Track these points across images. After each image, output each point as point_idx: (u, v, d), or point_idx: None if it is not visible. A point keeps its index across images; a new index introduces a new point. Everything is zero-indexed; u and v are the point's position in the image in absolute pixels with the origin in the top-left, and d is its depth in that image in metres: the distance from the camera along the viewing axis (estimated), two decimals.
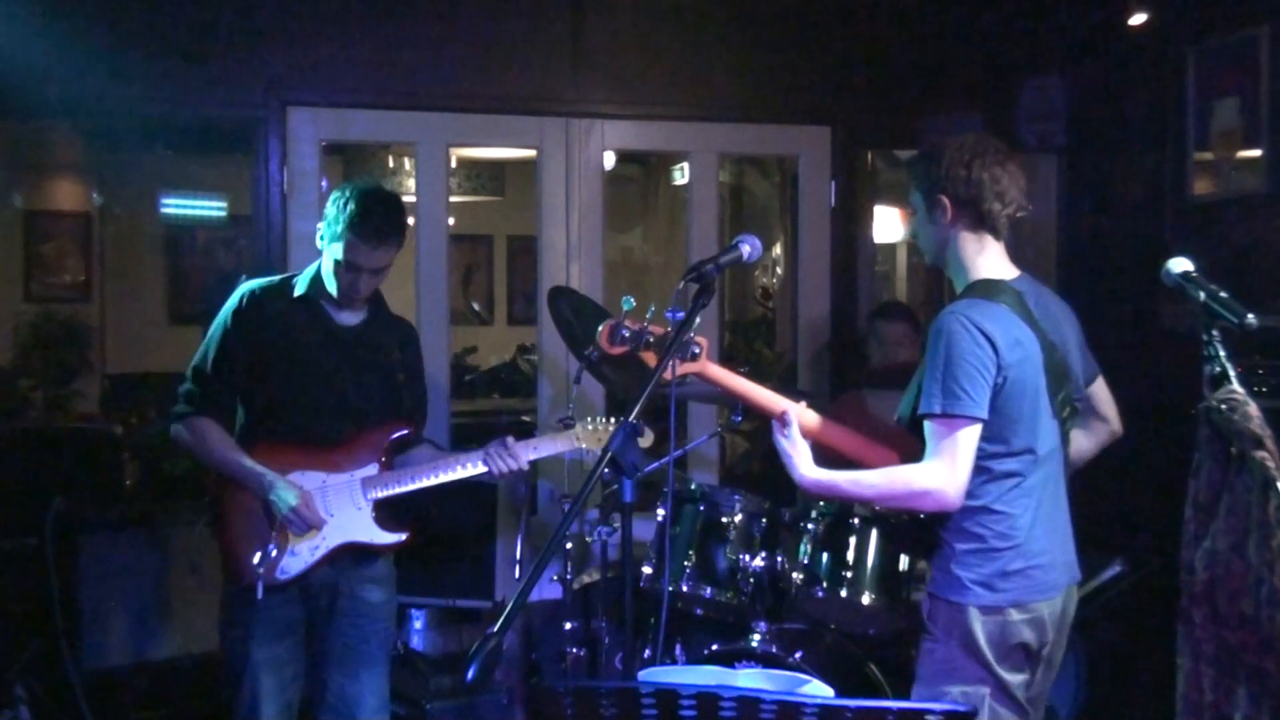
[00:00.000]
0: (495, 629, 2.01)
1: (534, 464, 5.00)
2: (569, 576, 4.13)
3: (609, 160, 5.32)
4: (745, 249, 2.68)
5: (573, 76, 5.07)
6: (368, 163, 8.42)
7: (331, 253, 3.23)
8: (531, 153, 5.27)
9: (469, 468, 3.31)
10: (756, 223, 8.26)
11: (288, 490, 3.18)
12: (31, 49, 4.44)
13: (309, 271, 3.34)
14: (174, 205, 8.57)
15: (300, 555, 3.21)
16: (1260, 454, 2.29)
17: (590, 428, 3.46)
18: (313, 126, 4.89)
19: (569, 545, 4.15)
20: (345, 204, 3.19)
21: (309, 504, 3.20)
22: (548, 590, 4.21)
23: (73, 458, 4.82)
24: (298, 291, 3.32)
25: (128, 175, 8.22)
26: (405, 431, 3.36)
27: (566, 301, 4.33)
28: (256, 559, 3.16)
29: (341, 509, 3.25)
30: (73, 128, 7.18)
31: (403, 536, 3.31)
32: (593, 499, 4.52)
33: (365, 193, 3.21)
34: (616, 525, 3.98)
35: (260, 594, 3.15)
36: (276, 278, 3.40)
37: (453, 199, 5.77)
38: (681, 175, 6.85)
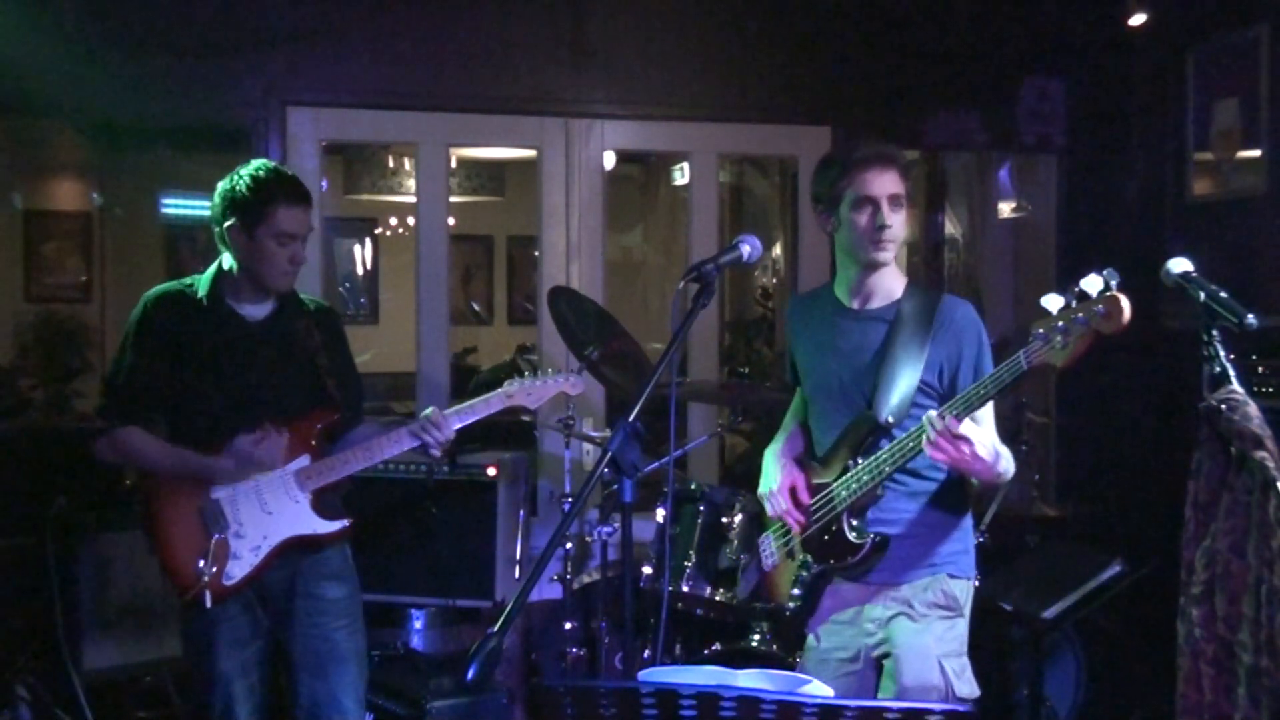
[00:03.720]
0: (495, 629, 2.01)
1: (534, 463, 5.06)
2: (569, 576, 4.13)
3: (609, 160, 5.32)
4: (745, 249, 2.68)
5: (573, 76, 5.07)
6: (368, 163, 8.43)
7: (259, 238, 3.16)
8: (531, 153, 5.27)
9: (400, 445, 3.21)
10: (756, 223, 8.26)
11: (240, 443, 3.14)
12: (31, 49, 4.44)
13: (208, 273, 3.27)
14: (174, 205, 8.56)
15: (243, 558, 3.13)
16: (1260, 454, 2.29)
17: (519, 384, 3.32)
18: (313, 126, 4.90)
19: (569, 545, 4.15)
20: (250, 182, 3.17)
21: (263, 441, 3.15)
22: (548, 590, 4.21)
23: (73, 458, 4.81)
24: (200, 293, 3.24)
25: (128, 175, 8.21)
26: (332, 419, 3.28)
27: (566, 301, 4.33)
28: (197, 567, 3.07)
29: (279, 505, 3.18)
30: (73, 128, 7.17)
31: (345, 523, 3.24)
32: (593, 499, 4.53)
33: (261, 167, 3.22)
34: (616, 525, 3.98)
35: (209, 603, 3.07)
36: (176, 283, 3.32)
37: (453, 199, 5.77)
38: (681, 175, 6.85)
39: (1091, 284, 2.35)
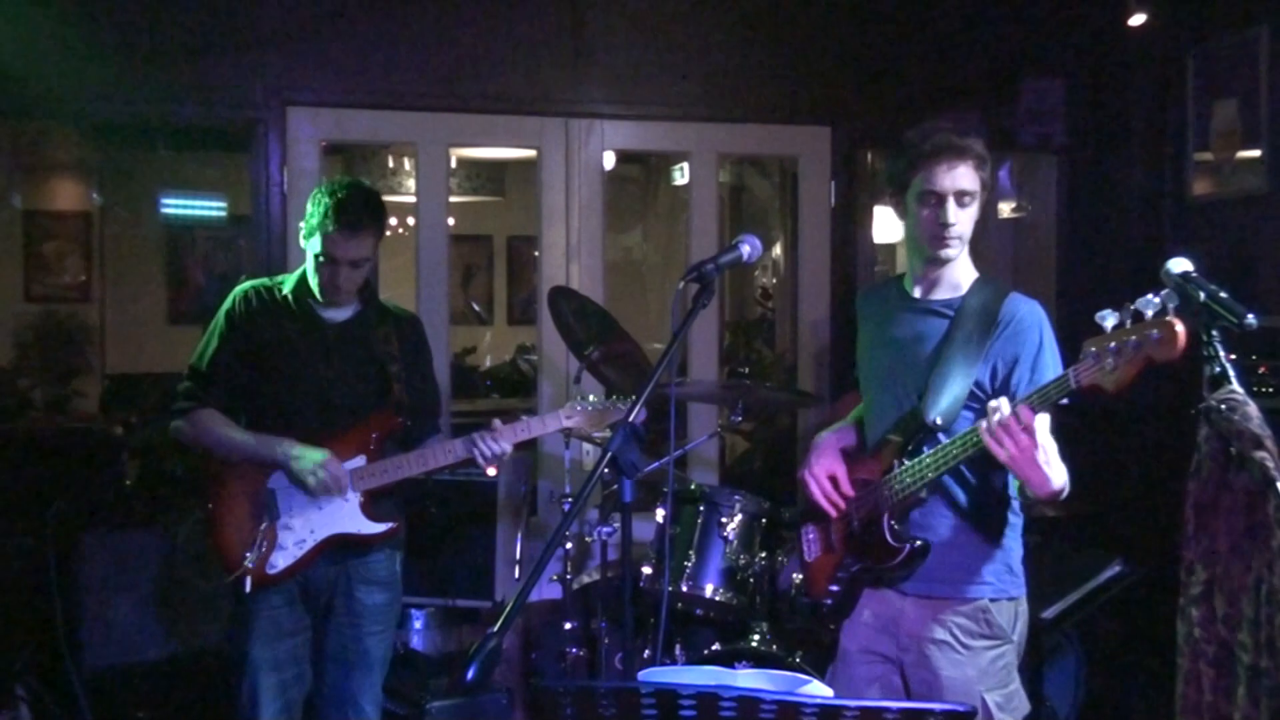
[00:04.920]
0: (495, 629, 2.01)
1: (534, 463, 5.05)
2: (569, 576, 4.13)
3: (609, 160, 5.32)
4: (745, 249, 2.64)
5: (573, 76, 5.07)
6: (368, 163, 8.42)
7: (311, 248, 3.27)
8: (531, 153, 5.27)
9: (454, 455, 3.30)
10: (756, 223, 8.25)
11: (311, 450, 3.21)
12: (31, 49, 4.44)
13: (297, 271, 3.39)
14: (174, 205, 8.57)
15: (288, 549, 3.22)
16: (1260, 454, 2.28)
17: (579, 407, 3.41)
18: (313, 126, 4.89)
19: (569, 545, 4.15)
20: (323, 198, 3.25)
21: (334, 464, 3.22)
22: (548, 590, 4.21)
23: (73, 458, 4.82)
24: (285, 290, 3.36)
25: (128, 175, 8.22)
26: (394, 424, 3.35)
27: (566, 301, 4.33)
28: (245, 552, 3.18)
29: (330, 501, 3.26)
30: (73, 128, 7.18)
31: (391, 525, 3.31)
32: (593, 499, 4.52)
33: (342, 185, 3.29)
34: (616, 525, 3.98)
35: (248, 588, 3.16)
36: (269, 279, 3.45)
37: (453, 199, 5.77)
38: (681, 175, 6.84)
39: (1147, 304, 2.25)
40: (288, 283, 3.38)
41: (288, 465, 3.21)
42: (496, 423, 3.32)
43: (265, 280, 3.44)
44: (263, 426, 3.30)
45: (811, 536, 3.01)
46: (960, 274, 2.82)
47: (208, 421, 3.30)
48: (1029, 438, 2.43)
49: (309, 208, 3.28)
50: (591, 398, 3.47)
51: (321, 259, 3.25)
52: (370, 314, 3.42)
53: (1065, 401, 2.43)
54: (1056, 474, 2.51)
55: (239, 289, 3.39)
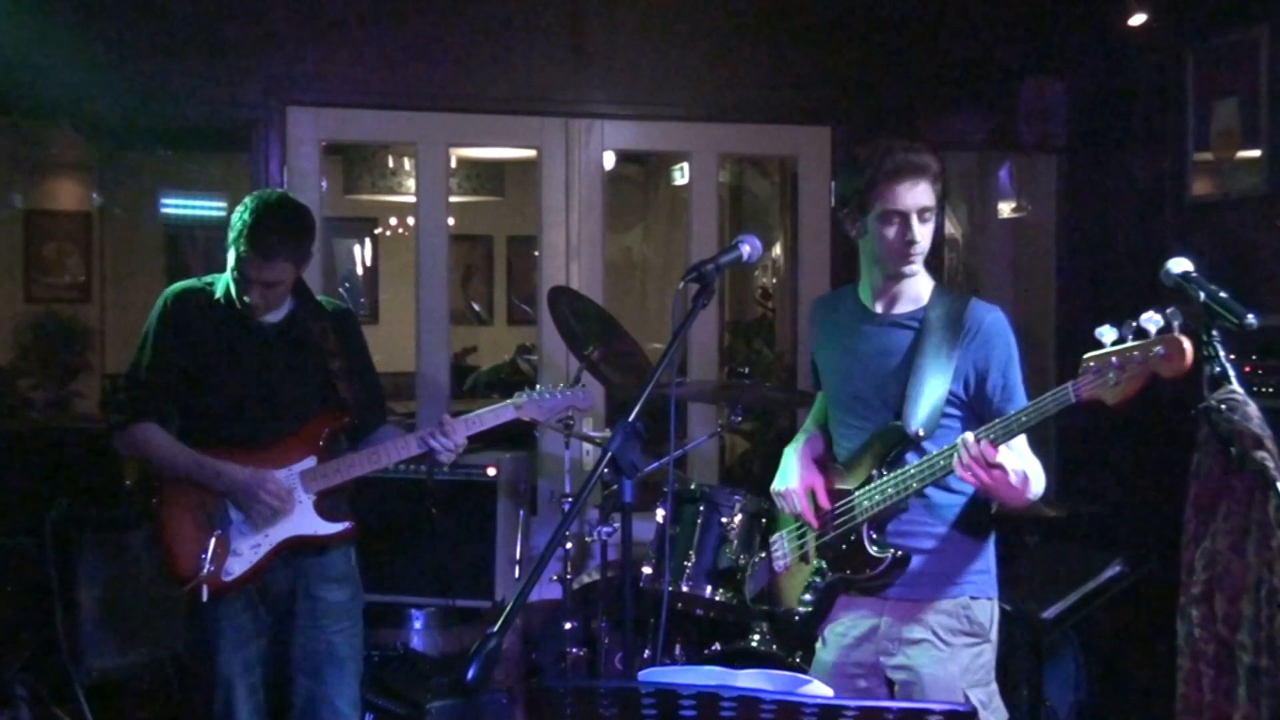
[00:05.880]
0: (495, 629, 2.01)
1: (534, 463, 5.06)
2: (569, 576, 4.13)
3: (609, 160, 5.32)
4: (745, 249, 2.65)
5: (573, 76, 5.07)
6: (368, 163, 8.42)
7: (229, 259, 3.19)
8: (531, 153, 5.28)
9: (407, 450, 3.24)
10: (756, 223, 8.25)
11: (243, 474, 3.16)
12: (31, 49, 4.44)
13: (227, 272, 3.29)
14: (174, 205, 8.56)
15: (243, 555, 3.17)
16: (1260, 454, 2.28)
17: (529, 397, 3.35)
18: (313, 126, 4.90)
19: (569, 545, 4.15)
20: (244, 213, 3.16)
21: (276, 483, 3.18)
22: (548, 590, 4.21)
23: (73, 458, 4.81)
24: (217, 293, 3.28)
25: (128, 175, 8.22)
26: (340, 423, 3.31)
27: (566, 301, 4.33)
28: (198, 561, 3.11)
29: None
30: (73, 128, 7.17)
31: (346, 526, 3.27)
32: (593, 499, 4.53)
33: (264, 203, 3.19)
34: (616, 525, 3.98)
35: (205, 597, 3.10)
36: (198, 280, 3.35)
37: (453, 199, 5.78)
38: (681, 175, 6.84)
39: (1151, 320, 2.27)
40: (219, 284, 3.29)
41: (225, 480, 3.16)
42: (445, 417, 3.26)
43: (195, 281, 3.34)
44: (202, 431, 3.23)
45: (782, 547, 3.01)
46: (920, 286, 2.84)
47: (146, 437, 3.22)
48: (999, 470, 2.49)
49: (233, 216, 3.18)
50: (540, 387, 3.40)
51: (236, 275, 3.18)
52: (305, 312, 3.33)
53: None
54: (1027, 488, 2.57)
55: (169, 291, 3.30)
